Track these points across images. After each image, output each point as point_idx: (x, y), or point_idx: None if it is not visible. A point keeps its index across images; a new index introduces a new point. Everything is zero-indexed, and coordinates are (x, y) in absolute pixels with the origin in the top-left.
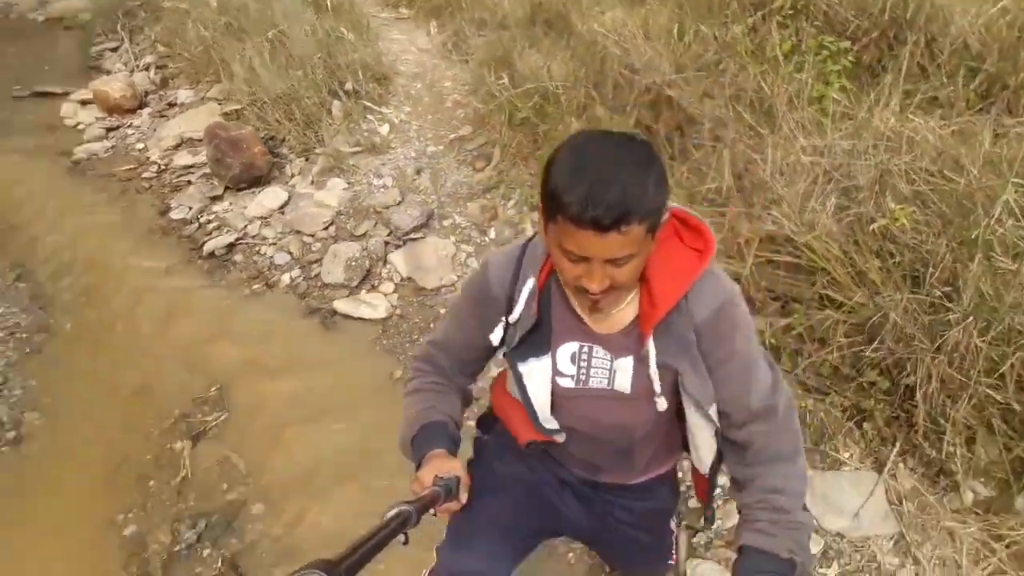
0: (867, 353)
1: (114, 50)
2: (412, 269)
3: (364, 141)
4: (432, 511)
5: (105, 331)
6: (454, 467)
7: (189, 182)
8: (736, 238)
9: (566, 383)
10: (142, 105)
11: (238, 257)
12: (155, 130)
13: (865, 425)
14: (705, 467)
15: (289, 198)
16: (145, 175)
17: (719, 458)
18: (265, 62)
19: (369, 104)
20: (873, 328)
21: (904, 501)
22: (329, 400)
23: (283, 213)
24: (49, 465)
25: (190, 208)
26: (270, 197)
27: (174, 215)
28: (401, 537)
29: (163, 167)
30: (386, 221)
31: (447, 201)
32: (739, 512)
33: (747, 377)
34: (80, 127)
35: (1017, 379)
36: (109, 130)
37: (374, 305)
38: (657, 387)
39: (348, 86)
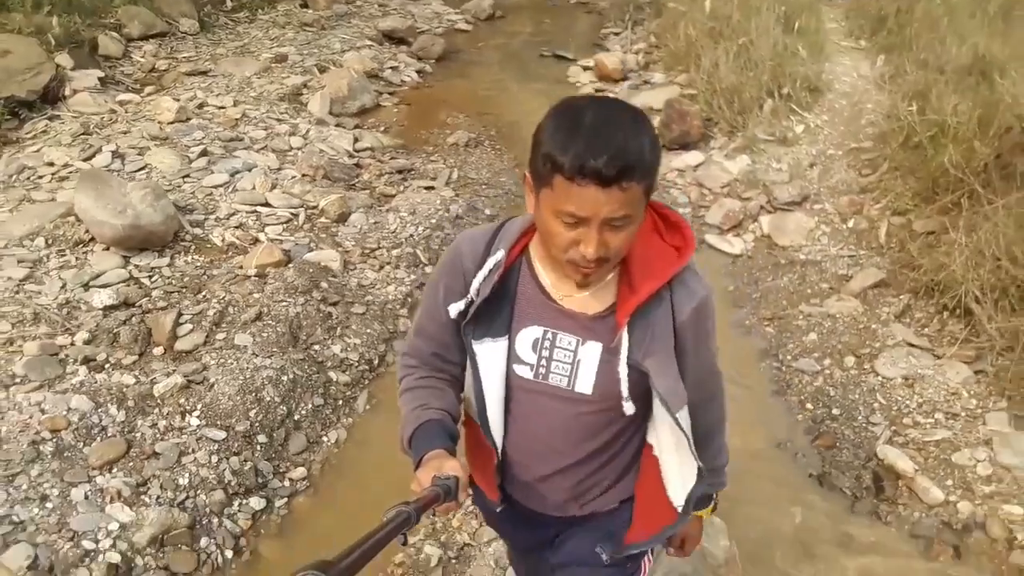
0: None
1: (617, 34)
2: (773, 229)
3: (779, 134)
4: (432, 511)
5: None
6: (452, 467)
7: None
8: None
9: (524, 372)
10: (625, 78)
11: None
12: (629, 98)
13: None
14: (680, 499)
15: (703, 161)
16: None
17: (698, 482)
18: (728, 61)
19: (795, 107)
20: None
21: None
22: None
23: (695, 170)
24: None
25: None
26: (692, 157)
27: None
28: (400, 538)
29: None
30: (769, 192)
31: (825, 192)
32: None
33: (711, 367)
34: (577, 84)
35: None
36: (597, 90)
37: (733, 244)
38: (624, 389)
39: (785, 90)
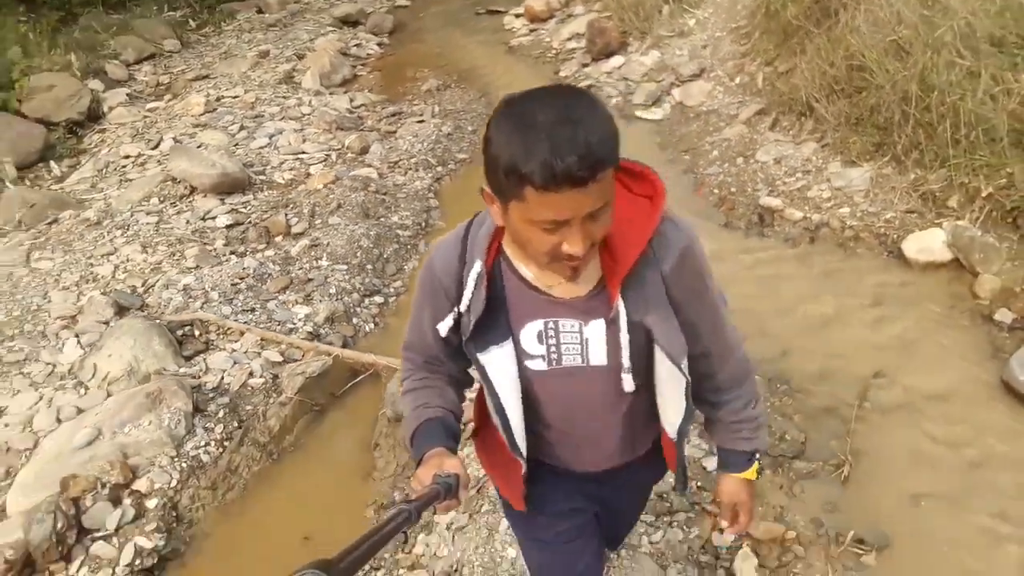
0: (872, 101)
1: None
2: (683, 96)
3: (677, 29)
4: (432, 509)
5: None
6: (453, 465)
7: (572, 57)
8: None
9: (537, 365)
10: (551, 16)
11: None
12: (557, 31)
13: (878, 152)
14: (674, 430)
15: (625, 62)
16: (548, 55)
17: (687, 419)
18: None
19: (687, 7)
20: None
21: (880, 179)
22: None
23: (619, 69)
24: None
25: (574, 72)
26: (615, 61)
27: (563, 75)
28: (400, 536)
29: (558, 51)
30: (676, 72)
31: (717, 63)
32: (714, 423)
33: (716, 316)
34: (513, 29)
35: (937, 112)
36: (530, 30)
37: (656, 112)
38: (625, 360)
39: None
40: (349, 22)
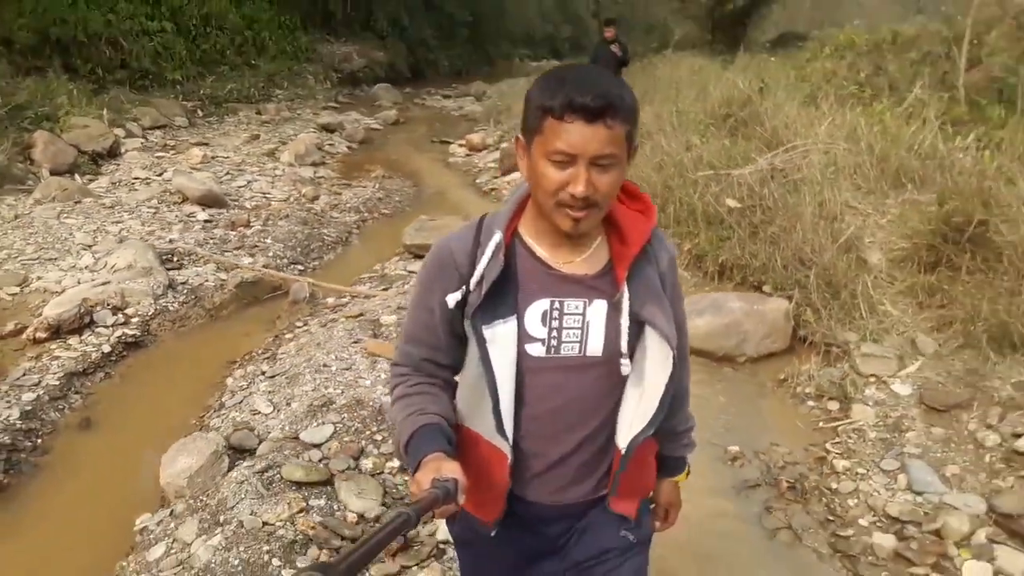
0: None
1: (484, 129)
2: None
3: None
4: (431, 513)
5: (442, 203)
6: (451, 469)
7: (488, 172)
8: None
9: (536, 350)
10: (484, 148)
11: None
12: (485, 157)
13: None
14: (626, 439)
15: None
16: (473, 170)
17: (653, 423)
18: None
19: None
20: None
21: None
22: None
23: (515, 181)
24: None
25: (486, 180)
26: (515, 175)
27: (478, 182)
28: (399, 539)
29: (481, 168)
30: None
31: None
32: (665, 433)
33: (684, 322)
34: (454, 153)
35: (671, 202)
36: (467, 155)
37: None
38: (623, 344)
39: None
40: (329, 129)
